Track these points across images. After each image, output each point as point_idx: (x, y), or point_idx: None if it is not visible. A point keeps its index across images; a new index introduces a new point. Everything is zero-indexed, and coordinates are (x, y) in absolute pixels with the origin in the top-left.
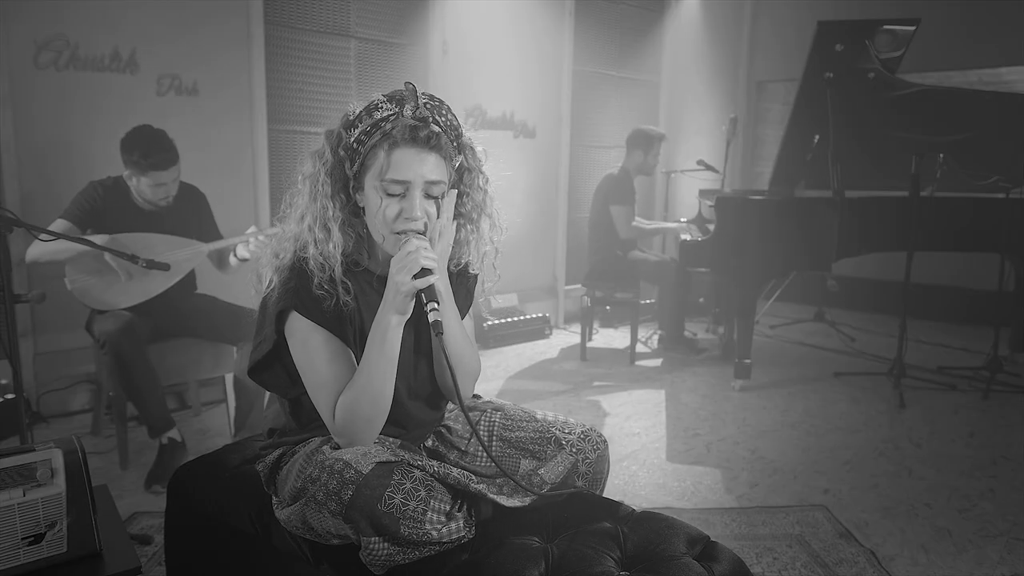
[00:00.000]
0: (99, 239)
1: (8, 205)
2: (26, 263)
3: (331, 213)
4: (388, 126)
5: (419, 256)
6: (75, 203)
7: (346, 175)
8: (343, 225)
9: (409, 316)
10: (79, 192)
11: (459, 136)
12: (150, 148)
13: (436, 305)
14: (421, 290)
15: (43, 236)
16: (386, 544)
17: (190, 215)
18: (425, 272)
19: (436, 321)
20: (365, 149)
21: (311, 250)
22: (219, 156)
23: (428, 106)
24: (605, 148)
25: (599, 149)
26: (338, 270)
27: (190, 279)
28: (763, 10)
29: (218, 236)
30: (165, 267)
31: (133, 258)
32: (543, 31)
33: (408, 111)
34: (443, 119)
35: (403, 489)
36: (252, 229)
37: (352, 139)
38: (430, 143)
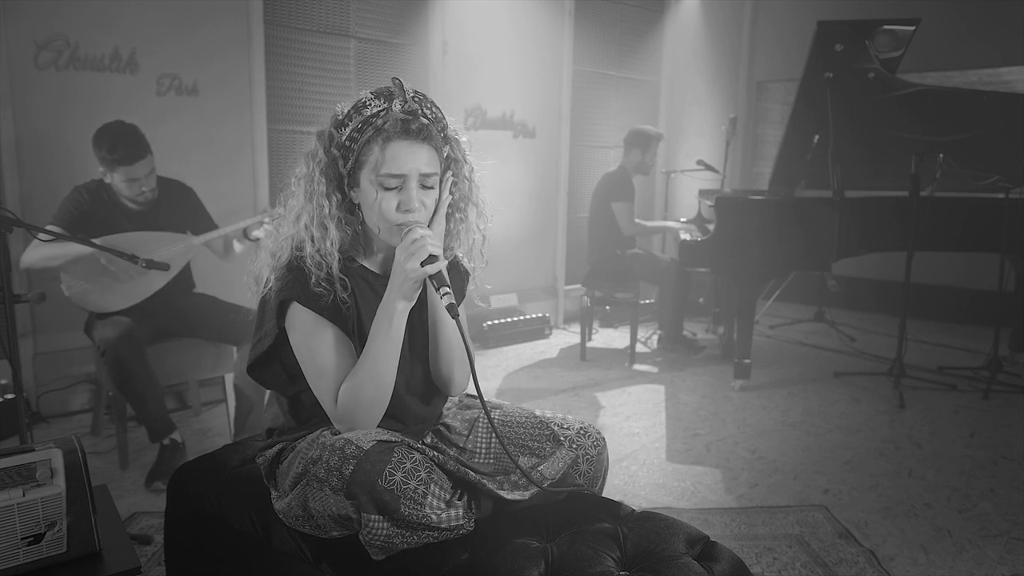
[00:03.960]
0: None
1: (8, 205)
2: (20, 268)
3: (327, 211)
4: (379, 121)
5: (425, 243)
6: (62, 209)
7: (340, 173)
8: (339, 222)
9: (413, 305)
10: (64, 198)
11: (445, 128)
12: (116, 143)
13: (448, 289)
14: (431, 276)
15: (42, 236)
16: (386, 524)
17: (179, 211)
18: (433, 259)
19: (452, 304)
20: (358, 146)
21: (308, 248)
22: (219, 156)
23: (416, 99)
24: (605, 148)
25: (599, 149)
26: (335, 267)
27: (187, 278)
28: (763, 10)
29: (213, 228)
30: (165, 267)
31: (133, 258)
32: (543, 31)
33: (397, 106)
34: (430, 112)
35: (403, 468)
36: (266, 208)
37: (344, 137)
38: (422, 135)
